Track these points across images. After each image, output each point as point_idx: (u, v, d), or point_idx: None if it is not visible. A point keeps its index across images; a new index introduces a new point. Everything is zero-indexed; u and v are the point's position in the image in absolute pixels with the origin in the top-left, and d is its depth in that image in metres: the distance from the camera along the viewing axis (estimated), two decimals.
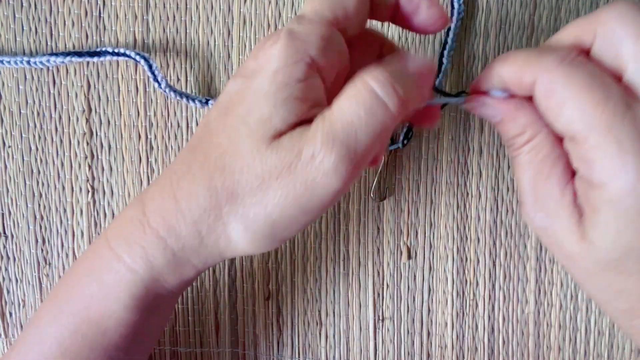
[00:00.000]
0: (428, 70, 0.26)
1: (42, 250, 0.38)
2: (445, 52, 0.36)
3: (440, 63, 0.36)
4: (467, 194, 0.37)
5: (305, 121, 0.25)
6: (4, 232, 0.38)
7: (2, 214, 0.38)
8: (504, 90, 0.26)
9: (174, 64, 0.37)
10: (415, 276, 0.38)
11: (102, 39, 0.37)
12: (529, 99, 0.25)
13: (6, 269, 0.38)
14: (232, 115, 0.26)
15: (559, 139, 0.25)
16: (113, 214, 0.38)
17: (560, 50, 0.24)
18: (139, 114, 0.37)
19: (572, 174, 0.25)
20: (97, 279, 0.28)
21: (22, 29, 0.37)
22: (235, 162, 0.25)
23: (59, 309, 0.29)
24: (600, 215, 0.23)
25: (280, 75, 0.25)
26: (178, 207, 0.26)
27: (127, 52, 0.35)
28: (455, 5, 0.36)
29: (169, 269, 0.27)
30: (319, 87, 0.25)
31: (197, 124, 0.37)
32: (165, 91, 0.36)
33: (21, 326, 0.38)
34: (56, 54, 0.36)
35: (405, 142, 0.36)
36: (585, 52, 0.25)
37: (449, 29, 0.36)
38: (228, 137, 0.25)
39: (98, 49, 0.36)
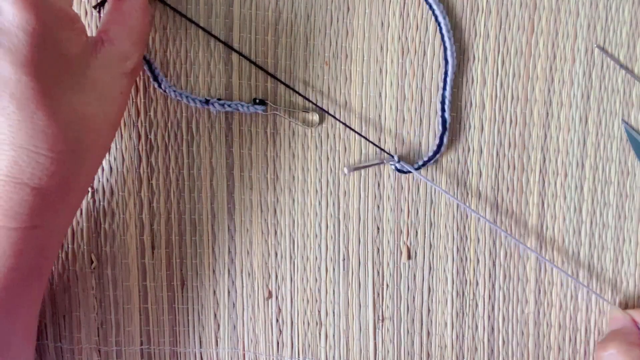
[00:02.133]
0: None
1: None
2: (449, 53, 0.36)
3: (447, 62, 0.36)
4: (467, 193, 0.37)
5: None
6: None
7: None
8: None
9: (174, 64, 0.37)
10: (415, 276, 0.38)
11: None
12: None
13: None
14: None
15: None
16: (113, 213, 0.38)
17: None
18: (139, 114, 0.37)
19: None
20: None
21: None
22: None
23: None
24: None
25: None
26: None
27: None
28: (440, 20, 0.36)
29: None
30: None
31: (196, 125, 0.37)
32: (165, 91, 0.36)
33: None
34: None
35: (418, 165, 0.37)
36: None
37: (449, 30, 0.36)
38: None
39: None
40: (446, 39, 0.36)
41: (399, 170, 0.37)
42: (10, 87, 0.27)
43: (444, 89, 0.36)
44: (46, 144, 0.28)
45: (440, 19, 0.36)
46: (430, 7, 0.36)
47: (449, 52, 0.36)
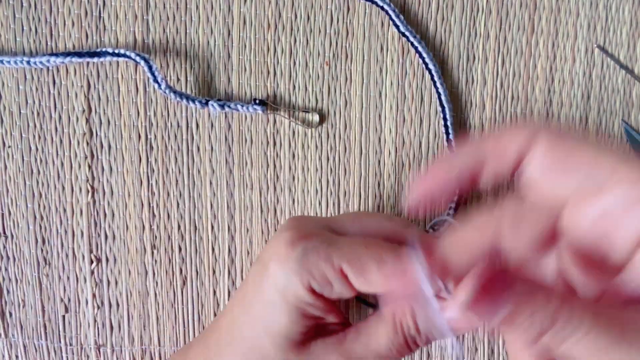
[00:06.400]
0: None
1: (42, 250, 0.38)
2: (443, 98, 0.36)
3: (443, 107, 0.36)
4: (468, 193, 0.37)
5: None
6: (4, 232, 0.38)
7: (2, 214, 0.38)
8: None
9: (174, 64, 0.37)
10: None
11: (102, 39, 0.37)
12: None
13: (6, 269, 0.38)
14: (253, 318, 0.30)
15: None
16: (113, 214, 0.38)
17: None
18: (139, 114, 0.37)
19: None
20: None
21: (22, 29, 0.37)
22: None
23: None
24: None
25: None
26: None
27: (127, 53, 0.35)
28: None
29: None
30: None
31: (196, 125, 0.37)
32: (165, 92, 0.36)
33: (21, 326, 0.38)
34: (56, 54, 0.36)
35: (450, 212, 0.36)
36: None
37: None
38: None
39: (98, 50, 0.36)
40: (438, 85, 0.36)
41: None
42: None
43: (447, 134, 0.36)
44: None
45: (431, 66, 0.36)
46: (423, 59, 0.36)
47: (443, 98, 0.36)
